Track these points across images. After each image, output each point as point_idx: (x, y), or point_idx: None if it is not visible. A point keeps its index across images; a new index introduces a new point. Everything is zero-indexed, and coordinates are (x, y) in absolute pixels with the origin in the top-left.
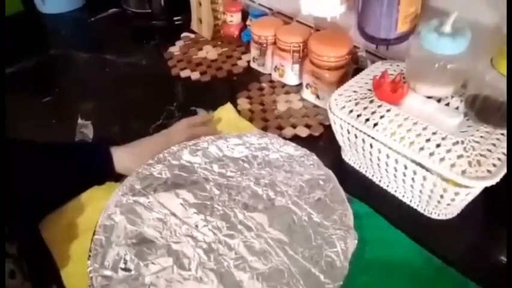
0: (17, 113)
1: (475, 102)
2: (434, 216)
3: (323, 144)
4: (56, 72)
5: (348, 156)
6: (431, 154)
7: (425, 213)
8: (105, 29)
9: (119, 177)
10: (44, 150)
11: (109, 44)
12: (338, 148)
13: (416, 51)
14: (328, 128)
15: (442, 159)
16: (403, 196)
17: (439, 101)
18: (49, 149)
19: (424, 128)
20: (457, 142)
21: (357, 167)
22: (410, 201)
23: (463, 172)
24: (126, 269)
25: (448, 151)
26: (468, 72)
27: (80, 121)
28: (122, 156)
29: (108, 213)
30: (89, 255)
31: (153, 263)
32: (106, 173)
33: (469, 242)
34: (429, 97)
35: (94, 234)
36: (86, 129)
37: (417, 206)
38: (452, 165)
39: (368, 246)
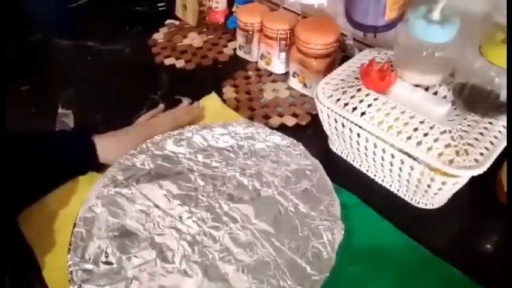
0: None
1: (463, 91)
2: (421, 205)
3: (310, 133)
4: (35, 59)
5: (335, 145)
6: (419, 143)
7: (413, 202)
8: (87, 15)
9: (100, 168)
10: (23, 140)
11: (91, 30)
12: (325, 137)
13: (404, 39)
14: (315, 117)
15: (429, 149)
16: (391, 186)
17: (426, 89)
18: (29, 139)
19: (412, 117)
20: (445, 131)
21: (344, 156)
22: (398, 190)
23: (451, 161)
24: (107, 263)
25: (436, 140)
26: (456, 60)
27: (60, 110)
28: (103, 145)
29: (89, 205)
30: (69, 249)
31: (135, 256)
32: (88, 163)
33: (456, 231)
34: (417, 85)
35: (74, 226)
36: (67, 119)
37: (404, 195)
38: (440, 155)
39: (355, 236)
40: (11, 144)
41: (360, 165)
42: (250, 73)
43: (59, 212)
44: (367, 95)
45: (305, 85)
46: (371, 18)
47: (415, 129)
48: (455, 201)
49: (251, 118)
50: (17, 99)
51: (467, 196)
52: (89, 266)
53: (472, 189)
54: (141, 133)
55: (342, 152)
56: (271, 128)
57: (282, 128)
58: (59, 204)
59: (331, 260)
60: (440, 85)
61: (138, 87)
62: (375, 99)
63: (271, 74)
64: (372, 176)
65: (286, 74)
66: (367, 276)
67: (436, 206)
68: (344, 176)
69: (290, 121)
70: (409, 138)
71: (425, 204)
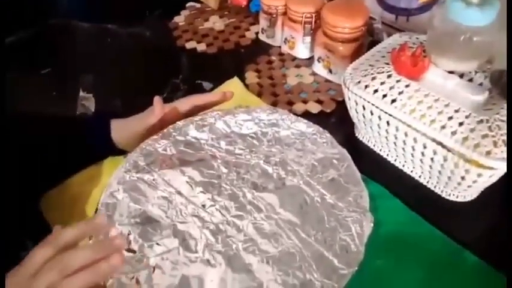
0: (15, 85)
1: (501, 79)
2: (452, 198)
3: (335, 120)
4: (55, 42)
5: (362, 133)
6: (454, 133)
7: (443, 194)
8: None
9: (120, 151)
10: (45, 122)
11: (111, 13)
12: (351, 125)
13: (440, 22)
14: (340, 104)
15: (465, 139)
16: (420, 176)
17: (461, 76)
18: (50, 122)
19: (446, 105)
20: (482, 121)
21: (371, 145)
22: (428, 182)
23: (488, 153)
24: (129, 250)
25: (472, 130)
26: (495, 45)
27: (81, 94)
28: (116, 128)
29: (110, 191)
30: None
31: (158, 243)
32: (105, 147)
33: (488, 225)
34: (451, 72)
35: (96, 212)
36: (88, 102)
37: (434, 187)
38: (476, 145)
39: (382, 228)
40: (30, 126)
41: (388, 155)
42: (273, 58)
43: (79, 197)
44: (398, 81)
45: (330, 71)
46: (404, 1)
47: (450, 118)
48: (488, 194)
49: (274, 104)
50: (38, 82)
51: (501, 188)
52: None
53: (506, 181)
54: (146, 123)
55: (368, 141)
56: (295, 114)
57: (306, 115)
58: (80, 189)
59: (360, 254)
60: (476, 72)
61: (159, 71)
62: (407, 86)
63: (294, 58)
64: (400, 166)
65: (311, 58)
66: (395, 270)
67: (468, 198)
68: (370, 165)
69: (314, 108)
70: (443, 127)
71: (457, 197)
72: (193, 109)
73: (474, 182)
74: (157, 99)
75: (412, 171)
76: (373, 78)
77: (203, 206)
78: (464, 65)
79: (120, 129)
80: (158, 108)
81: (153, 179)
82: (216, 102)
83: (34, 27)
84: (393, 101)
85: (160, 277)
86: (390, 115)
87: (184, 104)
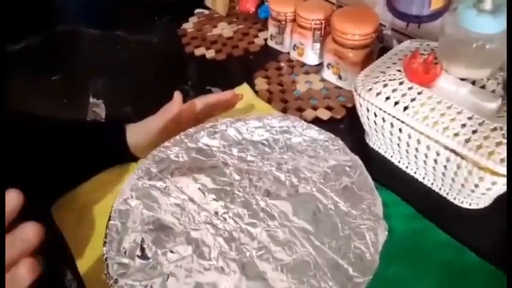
0: (25, 92)
1: None
2: (465, 205)
3: (345, 127)
4: (64, 49)
5: (373, 140)
6: (467, 140)
7: (456, 201)
8: (115, 5)
9: (133, 158)
10: (58, 126)
11: (119, 20)
12: (361, 132)
13: (452, 30)
14: (350, 111)
15: (479, 146)
16: (432, 184)
17: (473, 83)
18: (63, 125)
19: (459, 113)
20: (495, 128)
21: (381, 151)
22: (440, 189)
23: (502, 160)
24: (143, 257)
25: (486, 138)
26: None
27: (91, 100)
28: (132, 132)
29: (123, 198)
30: (104, 242)
31: (171, 251)
32: (119, 153)
33: (502, 232)
34: (463, 79)
35: (109, 219)
36: (98, 109)
37: (447, 194)
38: (491, 153)
39: (395, 236)
40: (41, 131)
41: (399, 161)
42: (282, 64)
43: (91, 203)
44: (410, 88)
45: (340, 77)
46: (415, 8)
47: (463, 126)
48: (502, 201)
49: (284, 110)
50: (48, 89)
51: None
52: (125, 260)
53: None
54: (163, 118)
55: (379, 147)
56: (305, 121)
57: (316, 121)
58: (91, 195)
59: (375, 262)
60: (488, 79)
61: (168, 77)
62: (419, 93)
63: (304, 65)
64: (412, 173)
65: (320, 65)
66: (408, 277)
67: (481, 205)
68: (382, 172)
69: (324, 114)
70: (456, 134)
71: (470, 204)
72: (205, 108)
73: (488, 189)
74: (177, 93)
75: (424, 178)
76: (385, 85)
77: (216, 213)
78: (476, 72)
79: (136, 131)
80: (177, 101)
81: (166, 186)
82: (228, 101)
83: (43, 34)
84: (405, 108)
85: (174, 285)
86: (403, 122)
87: (197, 102)
